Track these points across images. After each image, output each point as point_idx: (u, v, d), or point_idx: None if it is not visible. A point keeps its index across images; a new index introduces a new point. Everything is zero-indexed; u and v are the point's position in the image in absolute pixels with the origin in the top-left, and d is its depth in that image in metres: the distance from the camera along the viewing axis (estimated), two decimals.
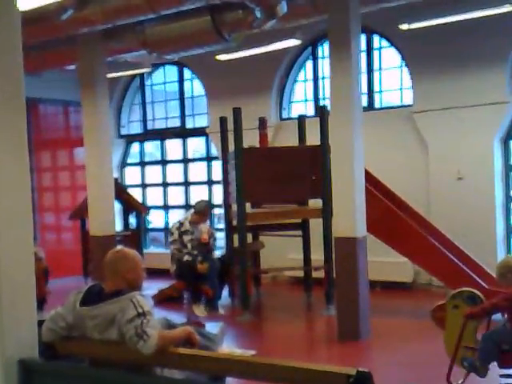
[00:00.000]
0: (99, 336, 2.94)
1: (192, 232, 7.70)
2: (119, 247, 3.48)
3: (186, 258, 7.52)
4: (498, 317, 4.17)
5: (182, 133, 10.84)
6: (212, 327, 3.70)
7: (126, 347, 2.81)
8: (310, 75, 9.45)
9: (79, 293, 3.08)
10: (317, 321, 7.35)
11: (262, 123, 8.04)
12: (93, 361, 3.05)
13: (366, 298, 6.10)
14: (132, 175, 11.54)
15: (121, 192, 9.47)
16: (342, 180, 6.05)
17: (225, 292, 8.02)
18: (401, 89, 8.73)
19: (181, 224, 7.79)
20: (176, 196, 11.06)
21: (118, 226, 9.34)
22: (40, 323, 3.10)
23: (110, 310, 2.91)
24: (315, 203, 7.60)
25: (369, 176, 6.85)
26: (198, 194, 10.36)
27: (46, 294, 7.01)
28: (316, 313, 7.54)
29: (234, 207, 7.41)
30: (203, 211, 7.87)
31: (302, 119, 8.12)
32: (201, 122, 10.55)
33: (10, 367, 2.98)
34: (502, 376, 3.97)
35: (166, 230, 10.26)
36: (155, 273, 8.37)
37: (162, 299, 8.05)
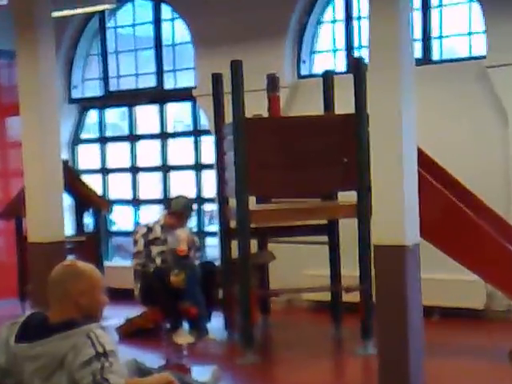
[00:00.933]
0: None
1: (164, 241, 7.78)
2: (70, 260, 3.51)
3: (151, 268, 7.65)
4: None
5: (159, 96, 10.88)
6: (201, 373, 3.72)
7: None
8: (340, 14, 9.45)
9: (14, 324, 3.11)
10: (349, 364, 7.41)
11: (273, 83, 8.02)
12: None
13: (418, 330, 6.10)
14: (88, 156, 11.60)
15: (72, 180, 9.48)
16: (386, 164, 6.04)
17: (218, 322, 8.07)
18: (469, 34, 8.72)
19: (149, 229, 7.87)
20: (150, 186, 11.10)
21: (69, 229, 9.39)
22: None
23: (58, 348, 2.94)
24: (347, 197, 7.62)
25: (424, 158, 6.85)
26: (182, 184, 10.38)
27: None
28: (348, 352, 7.58)
29: (233, 202, 7.43)
30: (181, 211, 7.92)
31: (328, 77, 8.11)
32: (185, 80, 10.60)
33: None
34: None
35: None
36: (121, 295, 8.39)
37: (130, 333, 8.09)
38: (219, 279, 7.96)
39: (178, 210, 7.91)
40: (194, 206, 8.90)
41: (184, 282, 7.55)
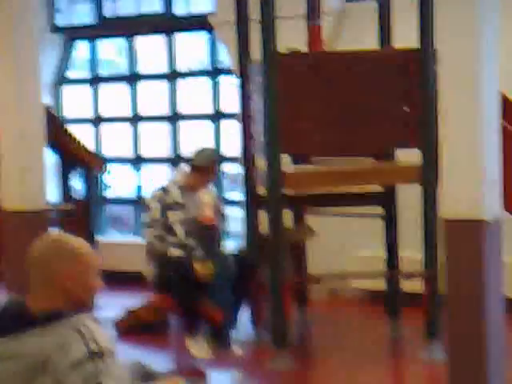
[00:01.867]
0: None
1: (184, 206, 7.75)
2: (54, 233, 3.54)
3: (173, 252, 7.60)
4: None
5: (167, 24, 10.90)
6: (221, 380, 3.76)
7: None
8: None
9: None
10: (411, 370, 7.44)
11: (313, 7, 8.02)
12: None
13: (499, 329, 6.12)
14: (76, 101, 11.67)
15: (57, 132, 9.53)
16: (460, 114, 6.03)
17: (244, 315, 8.14)
18: None
19: (165, 191, 7.83)
20: (156, 141, 11.13)
21: (53, 195, 9.47)
22: None
23: (40, 345, 2.96)
24: (408, 157, 7.64)
25: (509, 107, 6.83)
26: (196, 138, 10.40)
27: None
28: (409, 356, 7.65)
29: (262, 162, 7.44)
30: (207, 166, 7.90)
31: (385, 1, 8.06)
32: (200, 4, 10.59)
33: None
34: None
35: (139, 201, 10.35)
36: (119, 279, 8.47)
37: (131, 327, 8.17)
38: (258, 278, 7.90)
39: (202, 164, 7.84)
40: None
41: (211, 275, 7.50)
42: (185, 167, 8.16)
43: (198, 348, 7.45)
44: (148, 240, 7.79)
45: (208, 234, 7.65)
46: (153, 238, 7.70)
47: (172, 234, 7.62)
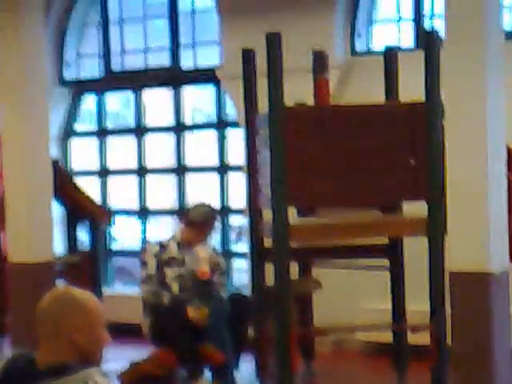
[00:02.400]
0: None
1: (182, 262, 7.76)
2: (62, 287, 3.52)
3: (165, 300, 7.60)
4: None
5: (174, 78, 10.94)
6: None
7: None
8: None
9: None
10: None
11: (320, 62, 8.05)
12: None
13: (507, 382, 6.07)
14: (83, 154, 11.67)
15: (64, 185, 9.54)
16: (466, 167, 6.04)
17: (248, 366, 8.08)
18: None
19: (162, 247, 7.84)
20: (162, 193, 11.13)
21: (59, 247, 9.46)
22: None
23: None
24: (415, 209, 7.62)
25: None
26: (202, 190, 10.40)
27: None
28: None
29: (268, 214, 7.43)
30: (202, 222, 7.90)
31: (391, 54, 8.09)
32: (207, 57, 10.64)
33: None
34: None
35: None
36: (124, 332, 8.43)
37: (136, 380, 8.11)
38: (251, 315, 7.92)
39: (197, 220, 7.88)
40: (218, 217, 8.87)
41: (207, 319, 7.50)
42: (181, 222, 8.18)
43: None
44: (143, 295, 7.82)
45: (204, 288, 7.66)
46: (148, 293, 7.74)
47: (167, 290, 7.64)
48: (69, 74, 11.53)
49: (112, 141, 11.59)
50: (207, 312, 7.49)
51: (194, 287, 7.61)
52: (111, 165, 11.50)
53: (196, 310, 7.53)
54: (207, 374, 7.69)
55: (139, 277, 8.22)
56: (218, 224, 8.82)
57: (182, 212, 10.12)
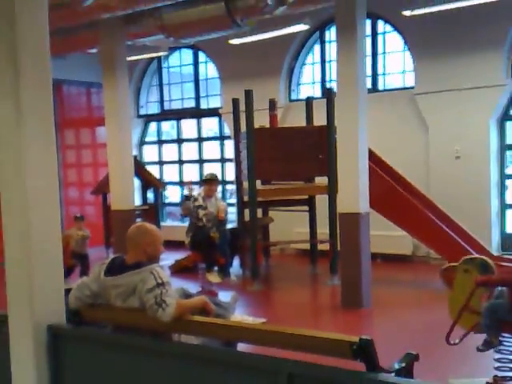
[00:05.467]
0: (122, 304, 2.96)
1: (205, 207, 7.70)
2: (140, 222, 3.49)
3: (200, 225, 7.52)
4: None
5: (197, 113, 10.80)
6: (225, 296, 3.72)
7: (147, 315, 2.83)
8: (317, 58, 9.36)
9: (103, 264, 3.08)
10: (322, 290, 7.38)
11: (272, 104, 8.00)
12: (115, 327, 3.08)
13: (367, 269, 6.12)
14: (150, 153, 11.55)
15: (140, 169, 9.49)
16: (347, 159, 6.03)
17: (236, 263, 8.05)
18: (403, 72, 8.63)
19: (195, 199, 7.78)
20: (191, 172, 11.08)
21: (137, 201, 9.38)
22: (67, 291, 3.13)
23: (132, 280, 2.92)
24: (321, 181, 7.57)
25: (372, 155, 6.80)
26: (212, 171, 10.34)
27: (72, 264, 7.12)
28: (321, 283, 7.56)
29: (246, 184, 7.41)
30: (213, 180, 7.78)
31: (309, 101, 8.05)
32: (214, 103, 10.51)
33: (39, 332, 3.02)
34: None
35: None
36: (172, 244, 8.35)
37: (178, 270, 8.12)
38: (239, 238, 7.86)
39: (210, 178, 7.76)
40: (220, 181, 8.68)
41: (218, 239, 7.46)
42: (202, 185, 8.05)
43: (213, 277, 7.39)
44: (188, 225, 7.72)
45: (219, 223, 7.58)
46: (189, 223, 7.66)
47: (200, 221, 7.54)
48: (142, 111, 11.41)
49: (165, 146, 11.47)
50: (218, 236, 7.40)
51: (214, 222, 7.49)
52: (164, 158, 11.38)
53: (213, 233, 7.44)
54: (215, 268, 7.64)
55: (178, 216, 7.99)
56: (219, 185, 8.63)
57: (201, 181, 10.02)
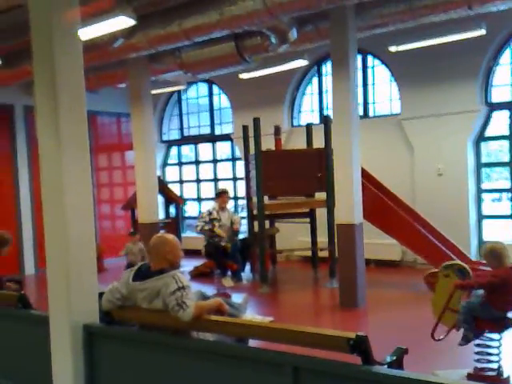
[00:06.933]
0: (147, 305, 2.96)
1: (219, 219, 7.70)
2: (161, 233, 3.50)
3: (212, 240, 7.54)
4: None
5: (212, 138, 10.83)
6: (237, 298, 3.71)
7: (169, 315, 2.83)
8: (315, 89, 9.38)
9: (132, 270, 3.09)
10: (322, 292, 7.32)
11: (277, 130, 8.03)
12: (141, 326, 3.08)
13: (362, 273, 6.08)
14: (172, 173, 11.56)
15: (163, 187, 9.50)
16: (343, 176, 6.03)
17: (247, 269, 8.03)
18: (390, 100, 8.63)
19: (210, 213, 7.80)
20: (207, 190, 11.09)
21: (161, 215, 9.39)
22: (100, 295, 3.13)
23: (156, 284, 2.93)
24: (320, 196, 7.54)
25: (364, 173, 6.80)
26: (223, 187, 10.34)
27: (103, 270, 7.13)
28: (321, 285, 7.50)
29: (255, 199, 7.40)
30: (224, 194, 7.81)
31: (309, 126, 8.08)
32: (227, 129, 10.53)
33: (76, 330, 3.04)
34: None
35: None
36: (191, 253, 8.41)
37: (196, 275, 8.10)
38: (250, 246, 7.84)
39: (222, 190, 7.78)
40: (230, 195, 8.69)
41: (230, 248, 7.44)
42: (216, 200, 8.03)
43: (227, 282, 7.38)
44: (202, 229, 7.66)
45: (233, 233, 7.58)
46: (205, 228, 7.61)
47: (213, 236, 7.54)
48: (165, 137, 11.45)
49: (184, 167, 11.49)
50: (230, 245, 7.38)
51: (228, 233, 7.46)
52: (184, 177, 11.40)
53: (226, 243, 7.43)
54: (229, 273, 7.63)
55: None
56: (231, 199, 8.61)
57: (216, 196, 10.06)
